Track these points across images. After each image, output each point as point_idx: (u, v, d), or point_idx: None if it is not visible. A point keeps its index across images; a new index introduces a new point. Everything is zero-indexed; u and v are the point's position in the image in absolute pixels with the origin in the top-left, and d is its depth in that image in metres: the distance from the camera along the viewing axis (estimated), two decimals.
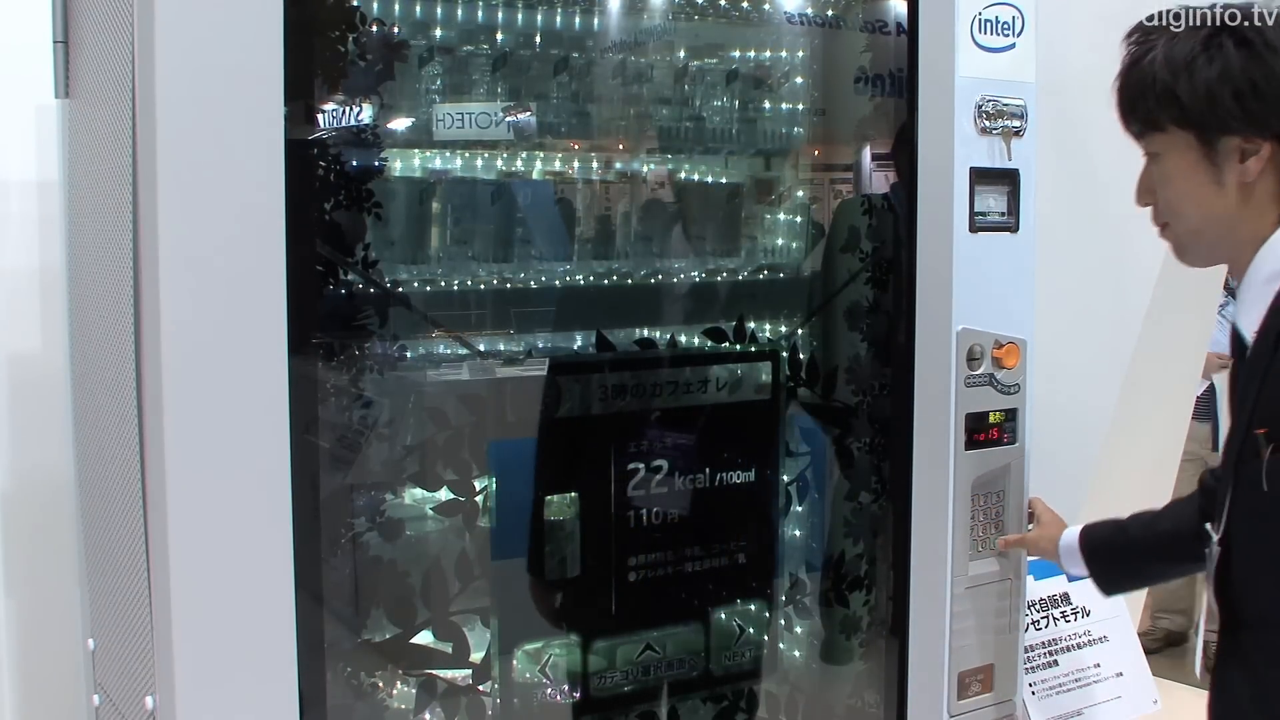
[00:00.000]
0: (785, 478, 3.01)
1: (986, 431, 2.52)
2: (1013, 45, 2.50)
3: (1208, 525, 2.02)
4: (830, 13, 2.89)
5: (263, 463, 1.89)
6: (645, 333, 2.84)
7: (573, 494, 2.66)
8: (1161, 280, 3.45)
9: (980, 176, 2.47)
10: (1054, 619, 3.16)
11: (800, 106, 2.98)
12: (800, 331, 2.96)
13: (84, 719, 2.51)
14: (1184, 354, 3.81)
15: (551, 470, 2.66)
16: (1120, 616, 3.29)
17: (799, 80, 2.96)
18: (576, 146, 2.79)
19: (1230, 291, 5.95)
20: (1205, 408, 5.65)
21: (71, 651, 2.58)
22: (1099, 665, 3.18)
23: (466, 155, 2.65)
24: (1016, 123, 2.50)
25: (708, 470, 2.76)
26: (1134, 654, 3.28)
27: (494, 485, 2.60)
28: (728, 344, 2.86)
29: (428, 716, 2.62)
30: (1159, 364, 3.60)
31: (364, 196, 2.21)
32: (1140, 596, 4.06)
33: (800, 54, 2.94)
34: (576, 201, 2.82)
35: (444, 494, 2.55)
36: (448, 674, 2.66)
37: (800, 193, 3.02)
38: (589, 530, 2.65)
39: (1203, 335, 3.97)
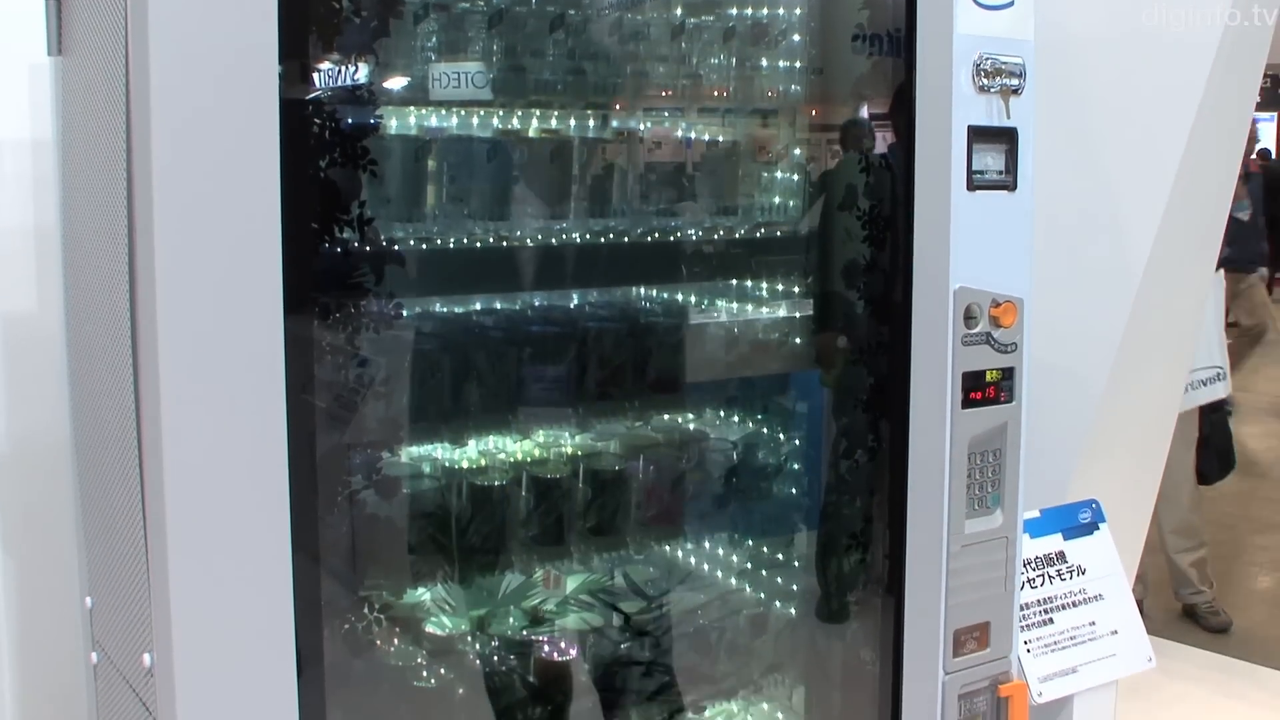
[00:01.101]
0: (782, 435, 3.02)
1: (983, 390, 2.52)
2: (1011, 3, 2.48)
3: None
4: None
5: (259, 421, 1.88)
6: (642, 290, 2.84)
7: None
8: (1159, 239, 3.45)
9: (978, 135, 2.46)
10: (1050, 577, 3.17)
11: (797, 64, 2.97)
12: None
13: (82, 676, 2.52)
14: (1181, 313, 3.81)
15: None
16: (1115, 575, 3.30)
17: (796, 38, 2.95)
18: (572, 104, 2.78)
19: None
20: None
21: (70, 610, 2.59)
22: (1094, 623, 3.19)
23: (462, 113, 2.64)
24: (1015, 81, 2.48)
25: None
26: (1129, 612, 3.29)
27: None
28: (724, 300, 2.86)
29: (425, 673, 2.63)
30: (1156, 323, 3.60)
31: (359, 154, 2.20)
32: (1136, 554, 4.07)
33: (797, 11, 2.93)
34: (573, 159, 2.81)
35: (440, 451, 2.55)
36: (444, 631, 2.67)
37: (797, 151, 3.01)
38: None
39: (1200, 293, 3.96)
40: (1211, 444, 5.82)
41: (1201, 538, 6.01)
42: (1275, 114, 20.90)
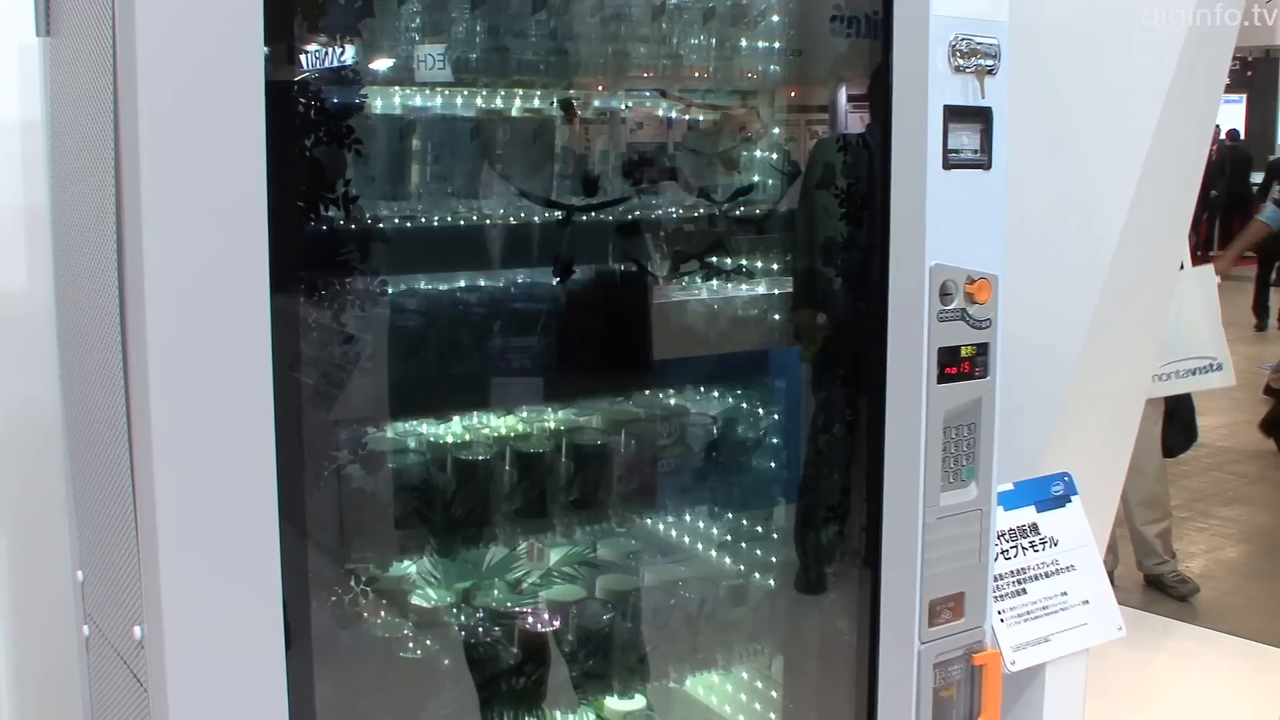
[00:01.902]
0: (761, 410, 3.01)
1: (958, 365, 2.52)
2: None
3: None
4: None
5: (246, 397, 1.87)
6: (623, 267, 2.83)
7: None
8: (1130, 218, 3.45)
9: (953, 114, 2.45)
10: (1023, 548, 3.17)
11: (777, 45, 2.95)
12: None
13: (74, 649, 2.51)
14: (1152, 290, 3.81)
15: None
16: (1087, 547, 3.31)
17: (775, 19, 2.93)
18: (555, 84, 2.76)
19: None
20: None
21: (62, 584, 2.58)
22: (1066, 593, 3.20)
23: (446, 93, 2.62)
24: (990, 62, 2.47)
25: None
26: (1100, 582, 3.30)
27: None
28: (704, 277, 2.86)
29: (411, 644, 2.62)
30: (1127, 300, 3.60)
31: (344, 133, 2.18)
32: (1107, 526, 4.08)
33: None
34: (555, 139, 2.80)
35: (425, 426, 2.54)
36: (430, 603, 2.67)
37: (776, 130, 3.00)
38: None
39: (1170, 272, 3.97)
40: (1176, 419, 5.91)
41: (1166, 509, 6.07)
42: (1243, 96, 20.97)
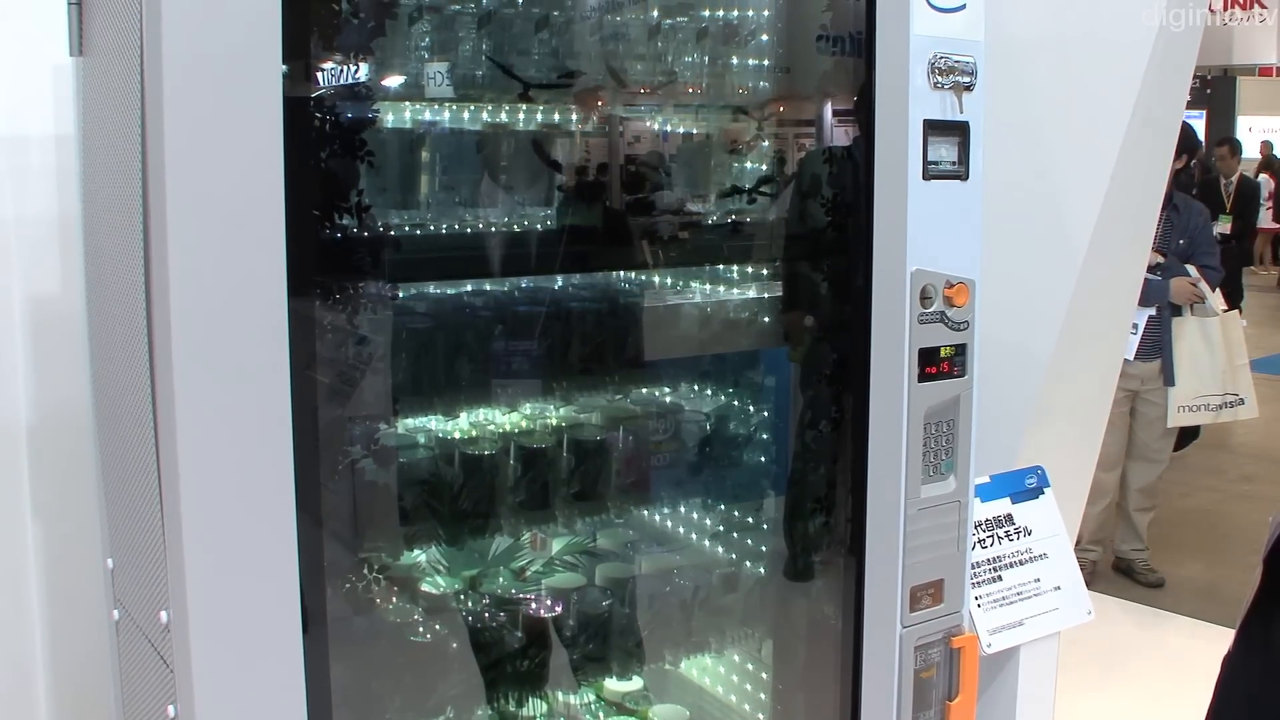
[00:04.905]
0: (752, 407, 3.00)
1: (938, 365, 2.51)
2: (963, 6, 2.46)
3: None
4: None
5: (265, 395, 1.86)
6: (621, 272, 2.82)
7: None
8: (1099, 224, 3.44)
9: (933, 128, 2.45)
10: (998, 538, 3.16)
11: (766, 62, 2.95)
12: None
13: (105, 632, 2.51)
14: (1119, 292, 3.81)
15: None
16: (1059, 536, 3.30)
17: (764, 38, 2.93)
18: (556, 99, 2.75)
19: None
20: (1153, 345, 5.70)
21: (93, 570, 2.57)
22: (1039, 580, 3.19)
23: (454, 107, 2.62)
24: (967, 78, 2.46)
25: None
26: (1071, 570, 3.29)
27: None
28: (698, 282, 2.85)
29: (421, 629, 2.61)
30: (1097, 302, 3.59)
31: (357, 146, 2.17)
32: (1078, 517, 4.06)
33: (766, 12, 2.91)
34: (556, 151, 2.79)
35: (433, 423, 2.53)
36: (438, 590, 2.66)
37: (766, 144, 2.99)
38: None
39: (1137, 275, 3.96)
40: None
41: (1157, 500, 6.15)
42: (1204, 112, 21.02)
